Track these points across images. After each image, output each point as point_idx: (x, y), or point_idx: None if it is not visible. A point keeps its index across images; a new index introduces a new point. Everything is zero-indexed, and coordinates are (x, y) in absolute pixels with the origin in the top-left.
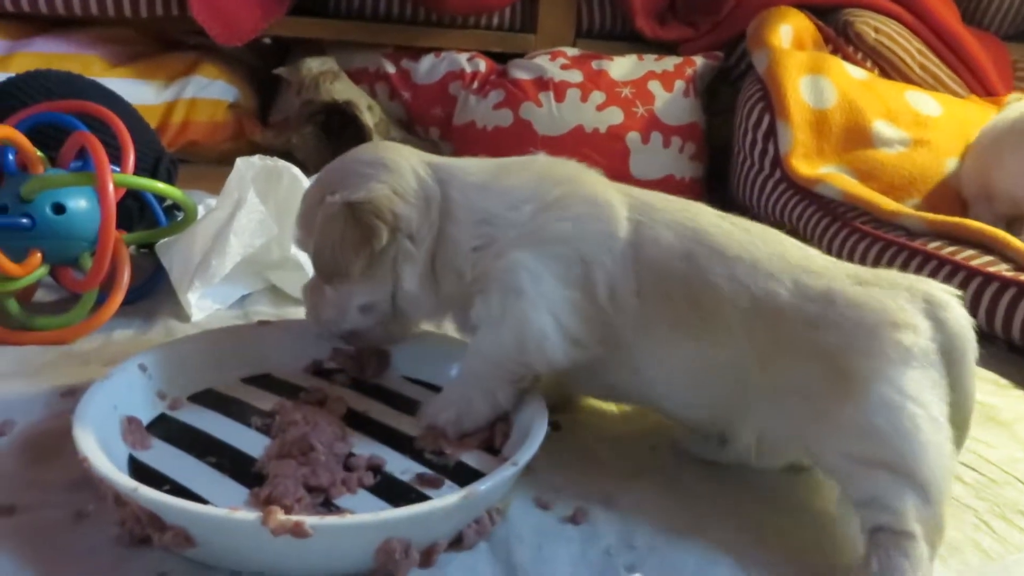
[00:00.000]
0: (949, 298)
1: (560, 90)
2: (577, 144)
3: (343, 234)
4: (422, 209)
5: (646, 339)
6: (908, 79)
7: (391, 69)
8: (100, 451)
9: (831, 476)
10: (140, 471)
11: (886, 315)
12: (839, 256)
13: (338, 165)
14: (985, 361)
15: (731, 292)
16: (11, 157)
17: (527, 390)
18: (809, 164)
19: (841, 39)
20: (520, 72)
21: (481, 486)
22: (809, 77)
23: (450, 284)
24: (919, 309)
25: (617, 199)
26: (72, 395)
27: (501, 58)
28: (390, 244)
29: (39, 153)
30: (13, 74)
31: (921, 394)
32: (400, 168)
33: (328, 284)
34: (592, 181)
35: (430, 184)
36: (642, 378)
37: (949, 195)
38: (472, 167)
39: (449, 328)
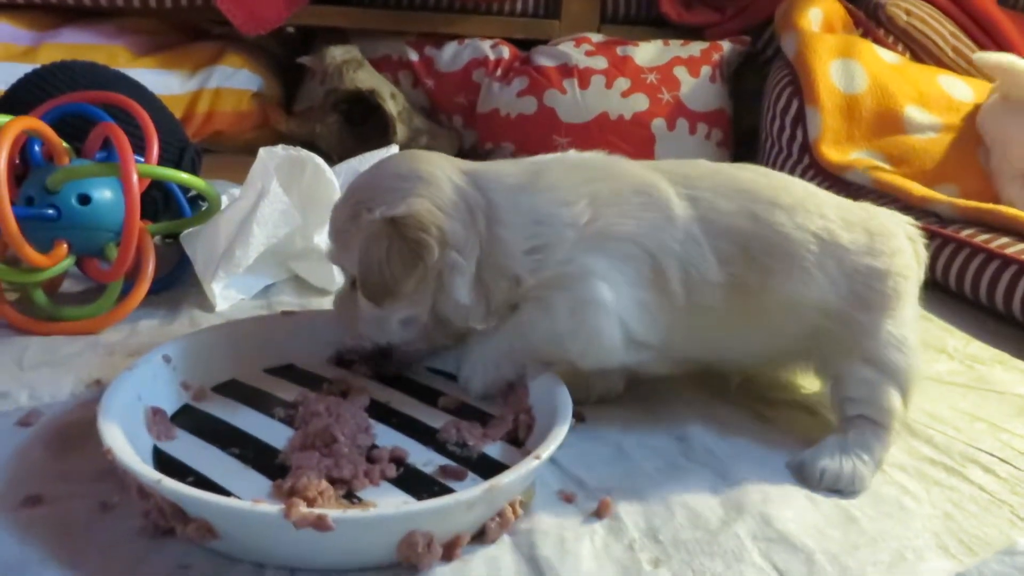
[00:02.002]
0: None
1: (584, 77)
2: (602, 131)
3: (389, 252)
4: (466, 221)
5: (739, 299)
6: (940, 63)
7: (414, 57)
8: (125, 442)
9: (830, 379)
10: (164, 462)
11: (915, 243)
12: None
13: (369, 179)
14: (1021, 352)
15: (801, 238)
16: (37, 148)
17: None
18: (839, 150)
19: (872, 22)
20: (544, 59)
21: (504, 479)
22: (839, 61)
23: (502, 291)
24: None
25: (661, 181)
26: (98, 385)
27: (525, 45)
28: (438, 258)
29: (65, 144)
30: (40, 65)
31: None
32: (436, 179)
33: (377, 305)
34: (631, 168)
35: (470, 192)
36: (722, 340)
37: (984, 181)
38: (506, 169)
39: None
